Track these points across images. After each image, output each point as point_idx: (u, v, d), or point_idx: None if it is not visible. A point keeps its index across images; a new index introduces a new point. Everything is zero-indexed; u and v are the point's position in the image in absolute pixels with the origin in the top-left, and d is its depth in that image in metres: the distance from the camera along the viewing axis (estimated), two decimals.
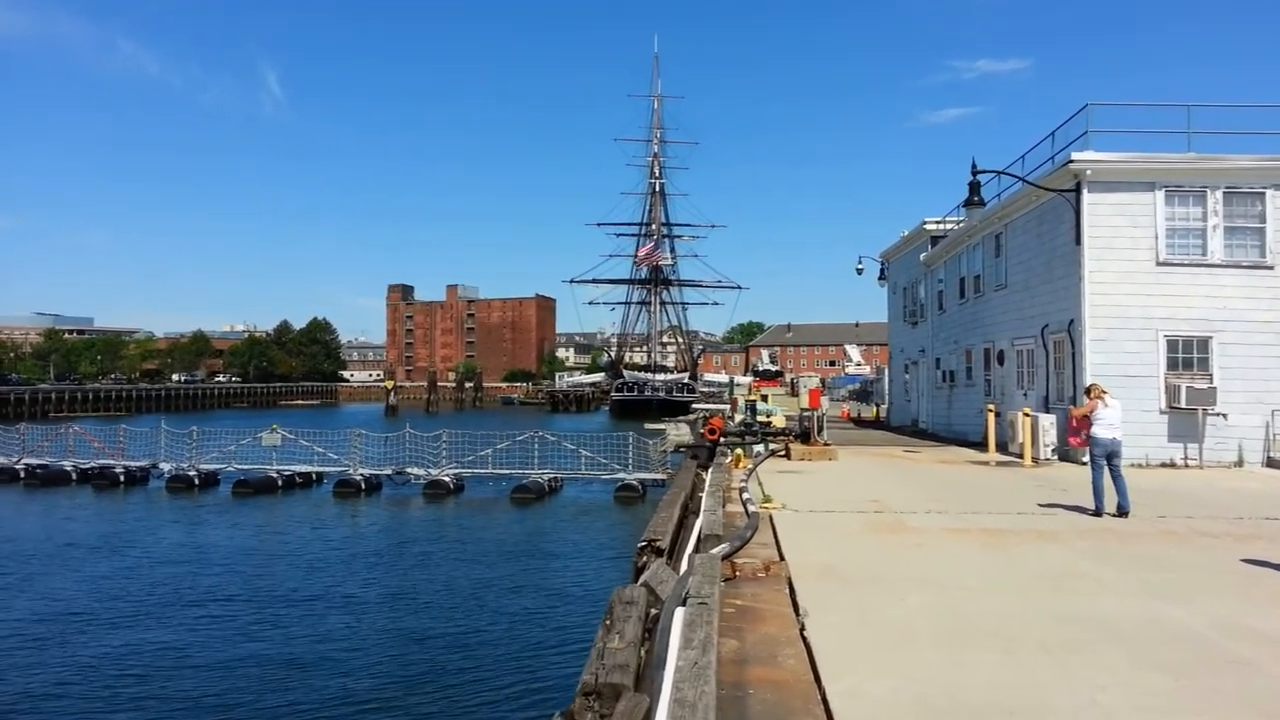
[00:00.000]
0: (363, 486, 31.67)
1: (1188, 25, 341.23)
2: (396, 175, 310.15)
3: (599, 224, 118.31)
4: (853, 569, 8.23)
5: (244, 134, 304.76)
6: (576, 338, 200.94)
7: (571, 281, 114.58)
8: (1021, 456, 18.56)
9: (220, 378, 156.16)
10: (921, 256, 31.75)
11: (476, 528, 26.28)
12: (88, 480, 33.98)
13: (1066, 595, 7.34)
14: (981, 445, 21.22)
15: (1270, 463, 17.70)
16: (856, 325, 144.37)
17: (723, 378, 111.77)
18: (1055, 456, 18.78)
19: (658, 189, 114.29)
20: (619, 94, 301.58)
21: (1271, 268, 18.18)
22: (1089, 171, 18.26)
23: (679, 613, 5.24)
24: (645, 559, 8.92)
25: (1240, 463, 17.85)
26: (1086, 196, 18.37)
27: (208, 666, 13.56)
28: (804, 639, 5.87)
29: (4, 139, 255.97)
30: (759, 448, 20.28)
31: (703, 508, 10.95)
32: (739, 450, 18.84)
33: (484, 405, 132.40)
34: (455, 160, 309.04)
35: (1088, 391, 12.73)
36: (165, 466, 33.85)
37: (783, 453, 19.86)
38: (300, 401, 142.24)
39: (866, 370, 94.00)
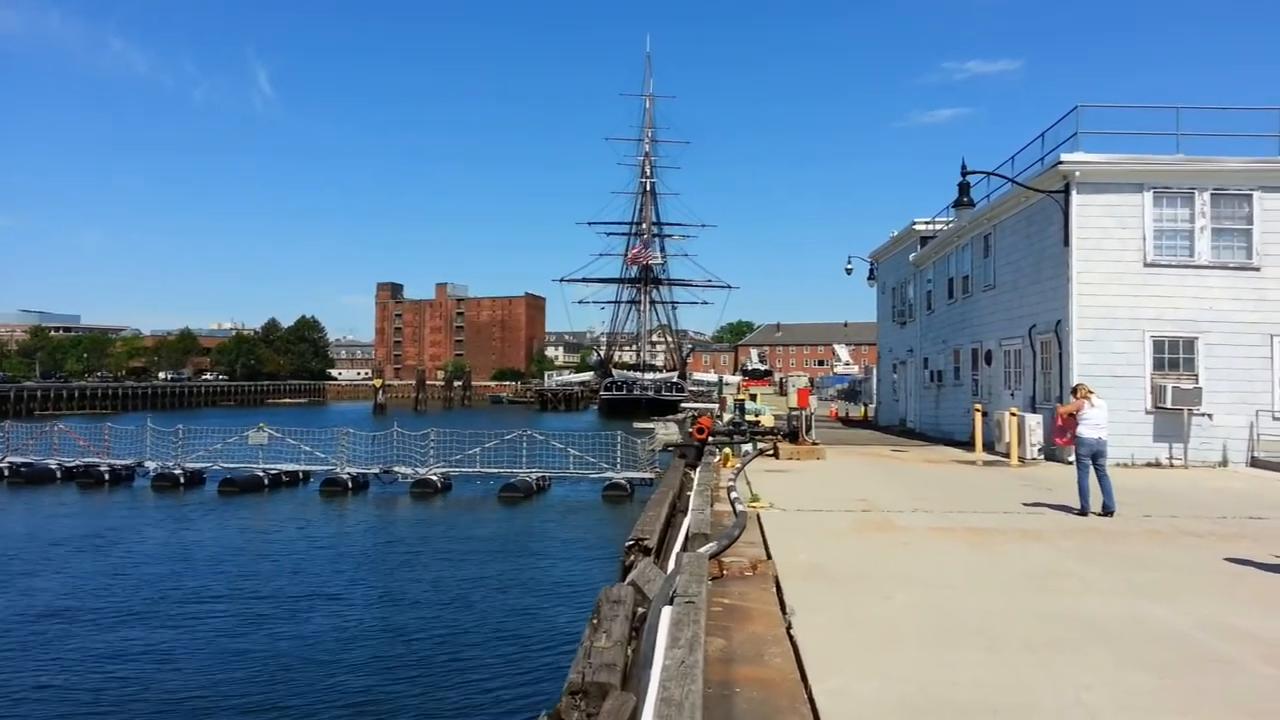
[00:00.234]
0: (350, 485, 31.57)
1: (1179, 26, 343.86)
2: (386, 174, 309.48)
3: (589, 223, 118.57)
4: (839, 568, 8.24)
5: (235, 133, 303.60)
6: (566, 337, 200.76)
7: (561, 280, 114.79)
8: (1008, 456, 18.63)
9: (207, 376, 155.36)
10: (910, 257, 31.83)
11: (464, 527, 26.22)
12: (72, 478, 33.76)
13: (1051, 594, 7.36)
14: (968, 445, 21.28)
15: (1254, 462, 17.82)
16: (845, 325, 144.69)
17: (712, 377, 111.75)
18: (1042, 456, 18.86)
19: (648, 188, 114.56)
20: (613, 93, 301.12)
21: (1258, 269, 18.30)
22: (1078, 173, 18.34)
23: (666, 611, 5.22)
24: (633, 558, 8.90)
25: (1225, 462, 17.97)
26: (1075, 198, 18.45)
27: (192, 667, 13.48)
28: (791, 638, 5.86)
29: None
30: (747, 447, 20.29)
31: (690, 507, 10.94)
32: (727, 449, 18.84)
33: (472, 404, 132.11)
34: (446, 159, 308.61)
35: (1074, 391, 12.78)
36: (150, 465, 33.65)
37: (771, 452, 19.87)
38: (288, 400, 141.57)
39: (855, 370, 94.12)
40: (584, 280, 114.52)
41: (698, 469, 16.64)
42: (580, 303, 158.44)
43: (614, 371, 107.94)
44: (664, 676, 4.06)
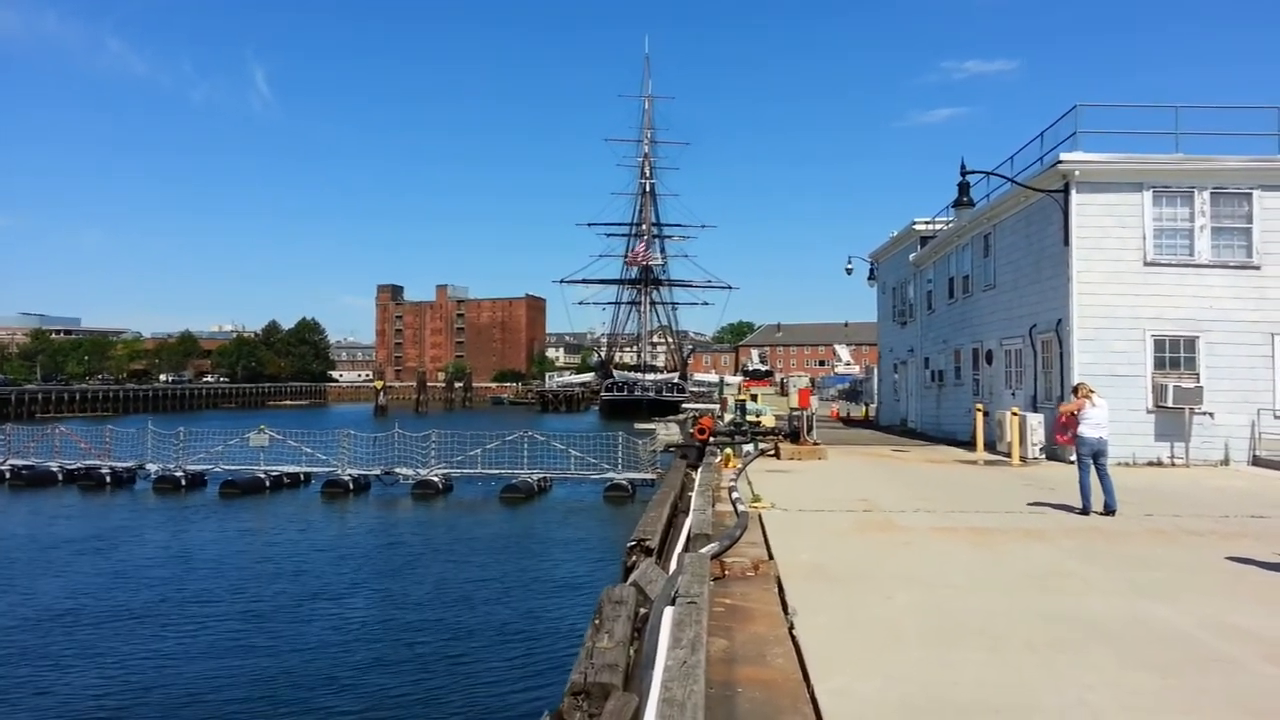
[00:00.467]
0: (351, 487, 31.57)
1: (1178, 26, 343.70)
2: (386, 175, 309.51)
3: (589, 224, 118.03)
4: (841, 568, 8.24)
5: (234, 133, 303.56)
6: (566, 338, 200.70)
7: (562, 281, 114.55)
8: (1010, 456, 18.62)
9: (208, 378, 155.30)
10: (911, 257, 31.83)
11: (465, 528, 26.22)
12: (74, 481, 33.74)
13: (1053, 594, 7.36)
14: (970, 444, 21.27)
15: (1256, 461, 17.81)
16: (846, 325, 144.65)
17: (712, 377, 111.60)
18: (1043, 456, 18.85)
19: (648, 189, 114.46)
20: (612, 94, 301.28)
21: (1258, 268, 18.30)
22: (1077, 172, 18.34)
23: (668, 612, 5.22)
24: (634, 558, 8.90)
25: (1226, 461, 17.96)
26: (1075, 197, 18.45)
27: (194, 669, 13.48)
28: (793, 638, 5.86)
29: None
30: (748, 447, 20.29)
31: (692, 507, 10.95)
32: (728, 450, 18.84)
33: (473, 405, 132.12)
34: (445, 160, 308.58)
35: (1075, 390, 12.78)
36: (152, 467, 33.66)
37: (772, 452, 19.87)
38: (289, 402, 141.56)
39: (856, 370, 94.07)
40: (584, 281, 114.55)
41: (699, 469, 16.64)
42: (581, 304, 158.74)
43: (615, 372, 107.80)
44: (666, 677, 4.07)
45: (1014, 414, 18.94)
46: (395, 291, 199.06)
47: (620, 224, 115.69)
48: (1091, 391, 12.36)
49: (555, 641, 14.80)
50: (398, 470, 32.29)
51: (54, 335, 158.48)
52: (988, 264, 23.94)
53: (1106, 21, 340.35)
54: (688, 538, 9.07)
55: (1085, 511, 11.58)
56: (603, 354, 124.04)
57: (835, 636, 6.01)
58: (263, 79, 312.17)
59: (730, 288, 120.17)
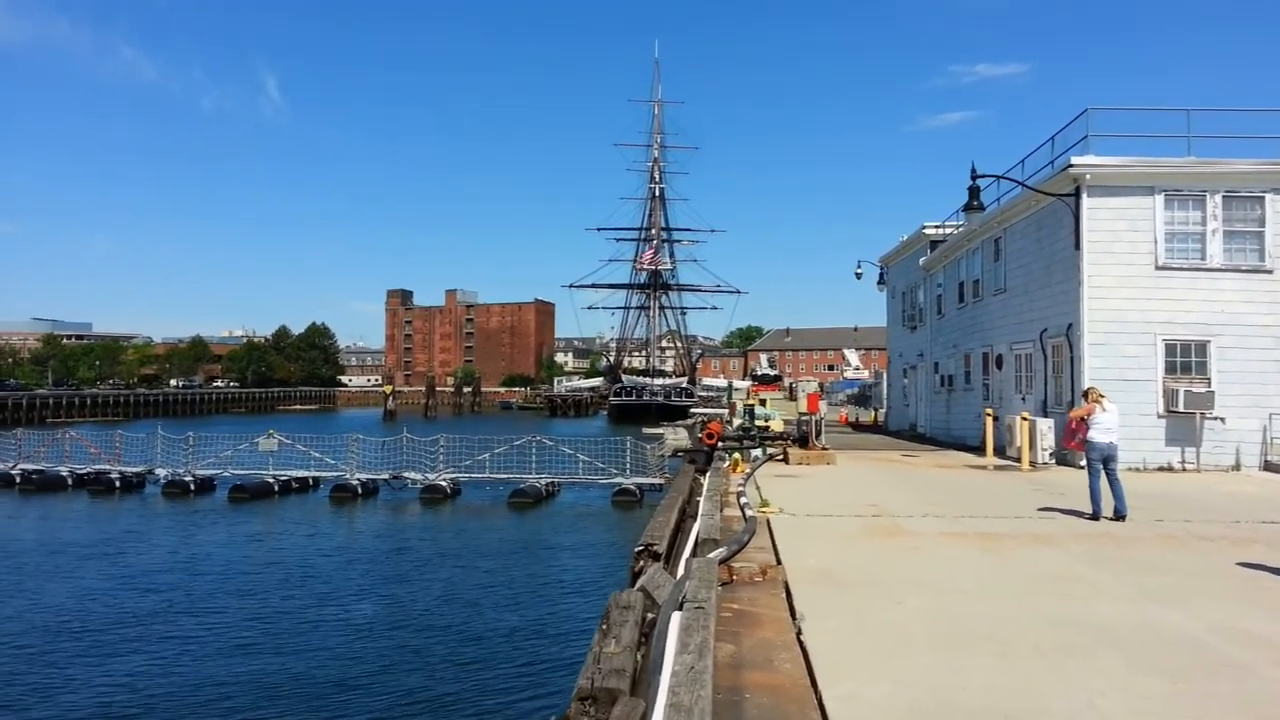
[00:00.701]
0: (359, 491, 31.65)
1: (1188, 29, 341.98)
2: (395, 180, 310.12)
3: (599, 229, 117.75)
4: (849, 573, 8.21)
5: (244, 139, 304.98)
6: (575, 342, 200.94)
7: (571, 286, 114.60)
8: (1019, 461, 18.55)
9: (218, 383, 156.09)
10: (920, 261, 31.76)
11: (473, 532, 26.25)
12: (83, 486, 33.91)
13: (1063, 599, 7.32)
14: (979, 449, 21.21)
15: (1267, 466, 17.70)
16: (855, 329, 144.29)
17: (721, 382, 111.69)
18: (1053, 461, 18.77)
19: (657, 194, 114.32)
20: (622, 99, 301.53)
21: (1270, 272, 18.19)
22: (1088, 176, 18.26)
23: (675, 617, 5.21)
24: (642, 563, 8.89)
25: (1238, 466, 17.85)
26: (1086, 201, 18.38)
27: (202, 673, 13.52)
28: (800, 643, 5.85)
29: (5, 144, 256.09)
30: (757, 452, 20.26)
31: (700, 512, 10.93)
32: (737, 454, 18.81)
33: (482, 410, 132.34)
34: (455, 165, 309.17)
35: (1085, 395, 12.73)
36: (161, 472, 33.83)
37: (780, 457, 19.83)
38: (298, 406, 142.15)
39: (865, 374, 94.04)
40: (593, 286, 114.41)
41: (707, 474, 16.62)
42: (590, 308, 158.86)
43: (623, 377, 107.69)
44: (673, 682, 4.06)
45: (1024, 419, 18.87)
46: (405, 296, 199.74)
47: (630, 229, 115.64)
48: (1102, 396, 12.30)
49: (563, 646, 14.79)
50: (406, 475, 32.36)
51: (65, 340, 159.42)
52: (998, 268, 23.87)
53: (1118, 24, 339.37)
54: (695, 543, 9.06)
55: (1095, 516, 11.53)
56: (611, 359, 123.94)
57: (843, 642, 5.98)
58: (274, 85, 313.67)
59: (739, 292, 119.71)
